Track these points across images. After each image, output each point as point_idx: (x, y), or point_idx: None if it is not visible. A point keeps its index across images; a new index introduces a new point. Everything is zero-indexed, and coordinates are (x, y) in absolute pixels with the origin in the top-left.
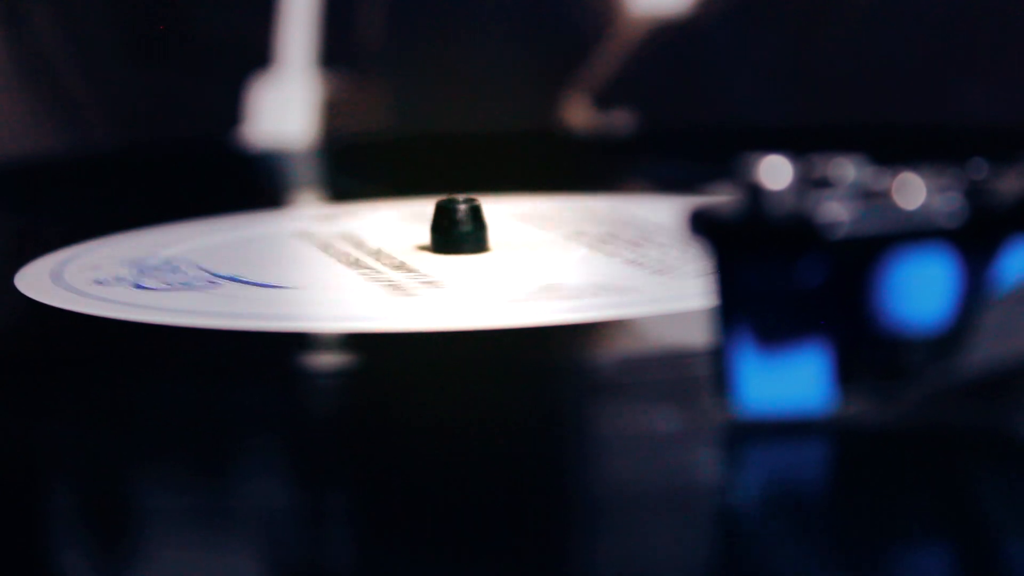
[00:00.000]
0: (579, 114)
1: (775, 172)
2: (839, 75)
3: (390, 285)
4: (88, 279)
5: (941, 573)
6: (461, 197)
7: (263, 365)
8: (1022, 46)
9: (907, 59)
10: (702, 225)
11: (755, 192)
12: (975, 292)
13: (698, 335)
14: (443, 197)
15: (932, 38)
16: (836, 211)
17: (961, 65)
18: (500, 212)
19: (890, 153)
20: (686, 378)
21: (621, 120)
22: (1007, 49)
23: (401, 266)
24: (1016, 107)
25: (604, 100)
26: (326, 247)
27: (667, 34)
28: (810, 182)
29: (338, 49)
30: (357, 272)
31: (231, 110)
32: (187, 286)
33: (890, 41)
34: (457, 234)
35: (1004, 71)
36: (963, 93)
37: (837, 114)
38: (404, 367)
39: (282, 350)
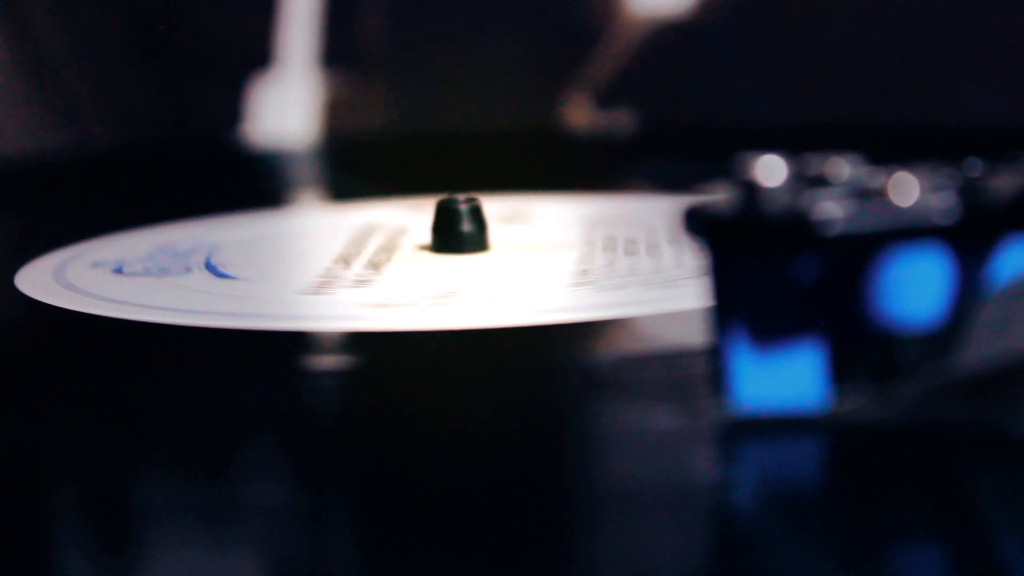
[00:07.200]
0: (579, 114)
1: (770, 170)
2: (835, 74)
3: (389, 284)
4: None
5: (937, 571)
6: (461, 197)
7: (263, 365)
8: (1017, 45)
9: (902, 59)
10: (698, 223)
11: (750, 190)
12: (970, 290)
13: (694, 333)
14: (443, 197)
15: (926, 38)
16: (831, 209)
17: (956, 65)
18: (500, 212)
19: (885, 152)
20: (682, 376)
21: (621, 120)
22: (1002, 49)
23: (401, 266)
24: (1011, 106)
25: (604, 100)
26: (326, 246)
27: (667, 34)
28: (805, 180)
29: (339, 49)
30: (357, 272)
31: (232, 110)
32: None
33: (884, 41)
34: (457, 234)
35: (999, 71)
36: (958, 92)
37: (832, 113)
38: (404, 367)
39: (282, 350)
